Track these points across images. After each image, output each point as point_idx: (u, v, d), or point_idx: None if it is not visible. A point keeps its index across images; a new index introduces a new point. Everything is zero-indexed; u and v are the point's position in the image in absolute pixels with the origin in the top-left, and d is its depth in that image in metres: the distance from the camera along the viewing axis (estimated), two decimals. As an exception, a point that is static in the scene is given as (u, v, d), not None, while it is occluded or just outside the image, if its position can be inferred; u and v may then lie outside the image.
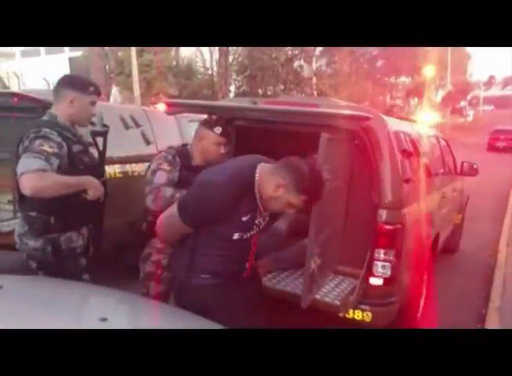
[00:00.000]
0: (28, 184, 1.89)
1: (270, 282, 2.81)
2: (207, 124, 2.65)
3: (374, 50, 29.46)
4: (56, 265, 2.17)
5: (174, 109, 3.22)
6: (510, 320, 3.81)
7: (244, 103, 3.04)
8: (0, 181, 3.69)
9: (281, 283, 2.77)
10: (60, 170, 2.02)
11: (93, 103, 2.25)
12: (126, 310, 1.69)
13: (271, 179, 1.86)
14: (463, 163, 5.50)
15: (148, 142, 4.59)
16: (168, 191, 2.39)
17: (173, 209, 1.92)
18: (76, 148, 2.18)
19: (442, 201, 4.18)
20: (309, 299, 2.37)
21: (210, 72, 24.53)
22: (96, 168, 2.30)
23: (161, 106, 3.34)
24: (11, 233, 3.50)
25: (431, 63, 32.46)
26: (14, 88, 15.95)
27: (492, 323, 3.79)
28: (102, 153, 2.39)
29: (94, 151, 2.38)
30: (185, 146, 2.76)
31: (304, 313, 2.53)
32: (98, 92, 2.29)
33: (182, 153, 2.61)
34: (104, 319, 1.40)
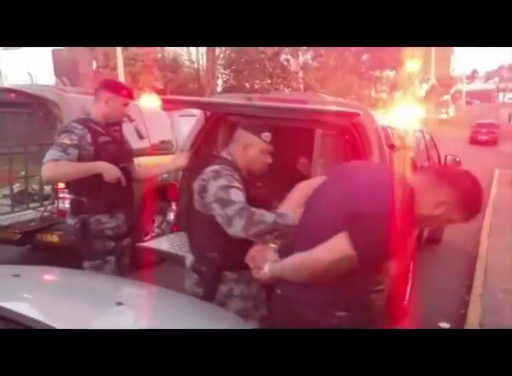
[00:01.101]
0: (44, 172, 2.36)
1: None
2: (253, 130, 2.24)
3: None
4: (85, 243, 2.55)
5: (169, 105, 3.31)
6: (491, 306, 4.01)
7: (239, 99, 3.14)
8: (-2, 175, 3.75)
9: None
10: (84, 157, 2.42)
11: (126, 104, 2.63)
12: (139, 296, 1.79)
13: (429, 197, 1.58)
14: (446, 156, 5.69)
15: (141, 137, 4.66)
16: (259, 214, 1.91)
17: (334, 247, 1.52)
18: (102, 139, 2.51)
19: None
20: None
21: (195, 66, 24.43)
22: (119, 156, 2.59)
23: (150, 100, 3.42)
24: (9, 226, 3.60)
25: (415, 56, 32.78)
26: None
27: (475, 307, 3.98)
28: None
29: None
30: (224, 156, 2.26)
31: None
32: (130, 96, 2.63)
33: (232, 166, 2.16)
34: (120, 304, 1.50)
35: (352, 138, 2.97)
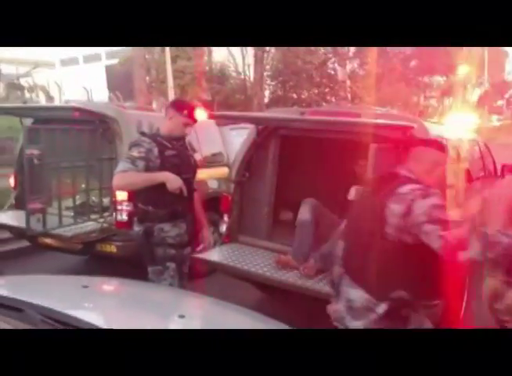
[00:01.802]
0: (114, 182, 2.65)
1: (318, 284, 2.95)
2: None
3: (407, 49, 29.06)
4: (147, 249, 2.75)
5: (221, 121, 3.41)
6: None
7: (292, 113, 3.19)
8: (62, 188, 3.98)
9: (322, 282, 2.91)
10: (151, 169, 2.64)
11: (186, 124, 2.80)
12: (200, 308, 1.86)
13: None
14: (503, 166, 5.48)
15: (194, 151, 4.80)
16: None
17: None
18: (168, 152, 2.72)
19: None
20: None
21: (242, 77, 24.77)
22: (183, 168, 2.77)
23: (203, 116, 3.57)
24: (73, 237, 3.81)
25: (467, 61, 31.69)
26: (56, 96, 16.58)
27: None
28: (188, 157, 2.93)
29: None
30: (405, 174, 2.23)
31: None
32: (191, 117, 2.78)
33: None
34: (182, 317, 1.57)
35: (406, 151, 2.94)
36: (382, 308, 1.78)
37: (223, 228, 3.68)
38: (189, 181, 2.81)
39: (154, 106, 11.35)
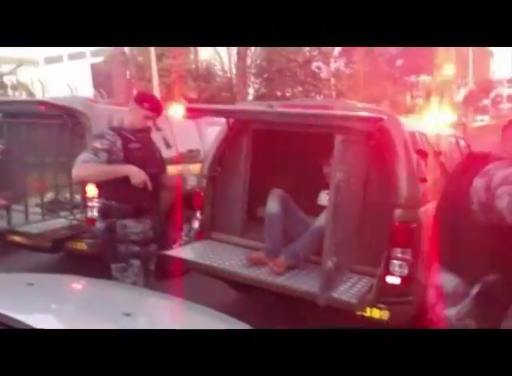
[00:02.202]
0: (74, 172, 2.60)
1: (288, 280, 2.88)
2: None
3: (393, 49, 29.20)
4: (110, 246, 2.68)
5: (192, 113, 3.32)
6: None
7: (260, 106, 3.12)
8: (29, 184, 3.86)
9: (298, 282, 2.83)
10: (114, 162, 2.56)
11: (147, 117, 2.71)
12: (148, 307, 1.77)
13: None
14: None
15: (168, 146, 4.70)
16: None
17: None
18: (132, 146, 2.65)
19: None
20: (326, 297, 2.43)
21: (228, 75, 24.67)
22: (148, 162, 2.70)
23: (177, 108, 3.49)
24: (40, 234, 3.69)
25: (452, 61, 31.91)
26: (38, 94, 16.34)
27: None
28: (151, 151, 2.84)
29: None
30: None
31: (322, 311, 2.59)
32: (154, 110, 2.71)
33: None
34: (128, 315, 1.48)
35: (377, 143, 2.88)
36: (475, 291, 1.72)
37: (196, 224, 3.57)
38: (154, 176, 2.72)
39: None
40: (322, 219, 2.99)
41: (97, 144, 2.57)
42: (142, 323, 1.47)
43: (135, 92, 2.91)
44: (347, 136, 2.46)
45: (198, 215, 3.55)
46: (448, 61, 31.64)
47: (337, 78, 21.21)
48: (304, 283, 2.82)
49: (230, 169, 3.51)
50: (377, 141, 2.87)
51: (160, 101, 2.84)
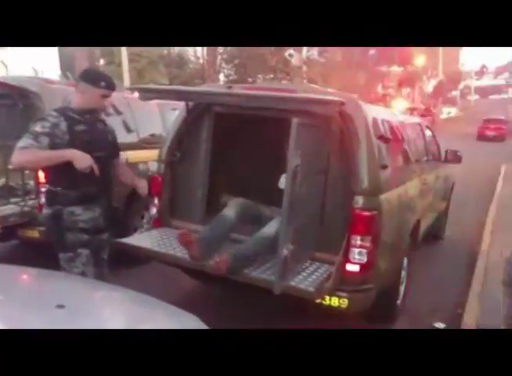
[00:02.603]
0: (12, 159, 2.38)
1: (247, 269, 2.80)
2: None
3: (366, 39, 29.28)
4: (57, 234, 2.52)
5: (146, 95, 3.17)
6: (489, 307, 3.84)
7: (219, 88, 3.00)
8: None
9: (256, 270, 2.76)
10: (58, 145, 2.39)
11: (104, 97, 2.55)
12: (84, 297, 1.65)
13: None
14: (447, 151, 5.51)
15: (129, 130, 4.54)
16: None
17: None
18: (78, 128, 2.48)
19: (423, 188, 4.18)
20: (282, 285, 2.36)
21: (201, 61, 24.29)
22: (97, 145, 2.53)
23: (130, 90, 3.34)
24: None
25: (423, 52, 32.37)
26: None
27: (472, 308, 3.81)
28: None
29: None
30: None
31: (281, 299, 2.53)
32: (109, 87, 2.56)
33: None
34: (61, 307, 1.37)
35: (338, 128, 2.82)
36: None
37: (153, 211, 3.44)
38: (104, 160, 2.56)
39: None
40: (271, 227, 2.88)
41: (37, 127, 2.39)
42: (75, 315, 1.35)
43: (83, 72, 2.70)
44: (306, 120, 2.38)
45: (156, 201, 3.42)
46: (419, 52, 32.12)
47: (309, 66, 21.15)
48: (263, 272, 2.75)
49: (190, 154, 3.39)
50: (338, 126, 2.80)
51: (110, 77, 2.67)
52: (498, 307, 3.91)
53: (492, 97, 56.70)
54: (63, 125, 2.43)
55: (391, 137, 3.18)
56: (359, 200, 2.75)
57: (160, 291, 2.91)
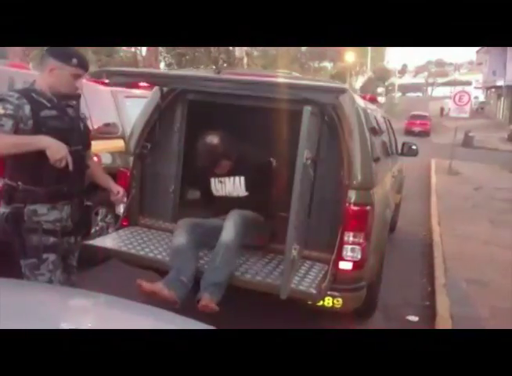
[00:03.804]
0: None
1: (249, 273, 2.56)
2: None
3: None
4: (16, 238, 2.15)
5: (117, 78, 2.83)
6: (457, 296, 3.92)
7: (205, 72, 2.72)
8: None
9: (260, 275, 2.52)
10: (21, 132, 2.03)
11: (76, 76, 2.20)
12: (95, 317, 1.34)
13: None
14: (404, 144, 5.59)
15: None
16: None
17: None
18: (45, 113, 2.11)
19: (392, 182, 4.17)
20: (289, 289, 2.17)
21: (133, 49, 23.28)
22: (69, 135, 2.17)
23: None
24: None
25: (352, 49, 33.41)
26: None
27: (442, 298, 3.86)
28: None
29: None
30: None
31: (274, 302, 2.34)
32: (83, 66, 2.21)
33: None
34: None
35: (330, 119, 2.66)
36: None
37: (121, 209, 3.10)
38: (76, 152, 2.18)
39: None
40: (229, 231, 2.63)
41: None
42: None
43: (51, 48, 2.28)
44: (297, 108, 2.17)
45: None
46: (348, 49, 33.13)
47: (250, 58, 21.04)
48: (266, 276, 2.52)
49: (161, 145, 3.08)
50: (331, 116, 2.65)
51: (83, 55, 2.29)
52: (465, 295, 4.03)
53: (409, 94, 60.17)
54: (27, 109, 2.05)
55: (378, 129, 3.09)
56: (353, 195, 2.62)
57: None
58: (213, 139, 2.76)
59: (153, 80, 2.81)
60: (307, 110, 1.99)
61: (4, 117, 1.99)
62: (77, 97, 2.30)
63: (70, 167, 2.07)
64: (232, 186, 2.96)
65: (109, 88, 4.50)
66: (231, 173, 2.94)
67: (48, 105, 2.14)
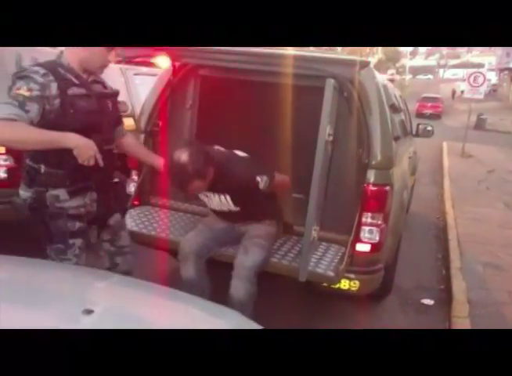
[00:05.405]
0: None
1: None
2: None
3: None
4: (40, 223, 2.00)
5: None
6: (474, 280, 3.84)
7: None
8: None
9: (275, 257, 2.43)
10: (46, 113, 1.81)
11: (110, 50, 1.98)
12: (118, 299, 1.26)
13: None
14: (418, 125, 5.45)
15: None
16: None
17: None
18: (73, 91, 1.89)
19: (409, 162, 4.06)
20: (307, 271, 2.09)
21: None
22: (99, 118, 1.97)
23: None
24: None
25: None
26: None
27: (458, 282, 3.78)
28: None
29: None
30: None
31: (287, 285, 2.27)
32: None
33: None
34: (90, 312, 1.01)
35: (349, 95, 2.55)
36: None
37: (131, 188, 3.02)
38: (107, 140, 2.03)
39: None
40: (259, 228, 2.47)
41: (22, 90, 1.76)
42: (108, 323, 0.99)
43: None
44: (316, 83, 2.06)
45: (134, 176, 3.01)
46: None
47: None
48: (282, 257, 2.42)
49: (173, 123, 2.99)
50: (350, 92, 2.53)
51: None
52: (482, 279, 3.95)
53: (419, 77, 59.12)
54: (54, 87, 1.83)
55: (398, 106, 2.97)
56: (372, 175, 2.52)
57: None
58: (180, 155, 2.15)
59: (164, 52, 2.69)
60: (330, 82, 1.87)
61: (29, 101, 1.76)
62: (104, 68, 2.07)
63: (100, 163, 1.91)
64: (219, 201, 2.48)
65: (118, 66, 4.39)
66: (213, 190, 2.42)
67: (77, 82, 1.92)
